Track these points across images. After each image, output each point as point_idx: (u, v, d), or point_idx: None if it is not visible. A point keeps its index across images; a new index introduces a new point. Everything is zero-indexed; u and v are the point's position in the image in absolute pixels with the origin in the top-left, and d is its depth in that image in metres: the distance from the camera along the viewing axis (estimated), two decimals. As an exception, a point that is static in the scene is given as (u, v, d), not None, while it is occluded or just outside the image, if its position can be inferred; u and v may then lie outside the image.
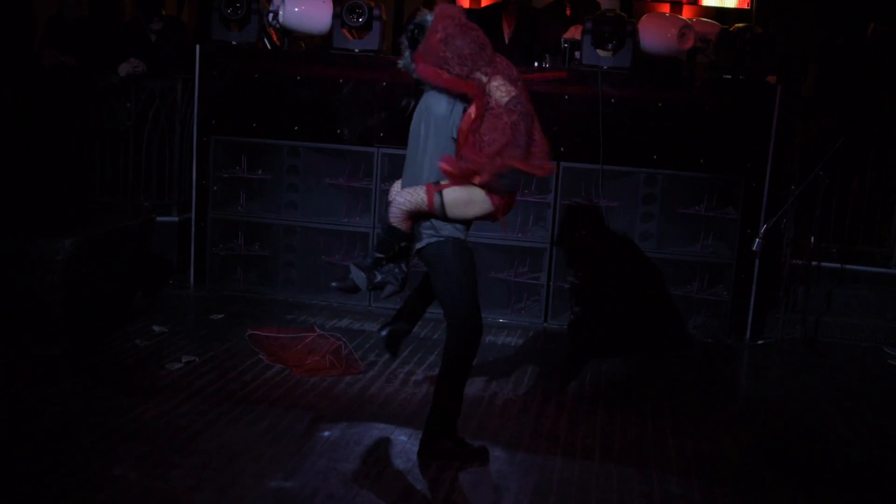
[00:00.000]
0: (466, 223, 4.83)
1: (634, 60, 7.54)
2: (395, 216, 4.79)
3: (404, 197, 4.74)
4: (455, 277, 4.78)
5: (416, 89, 5.16)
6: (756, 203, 7.39)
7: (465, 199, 4.67)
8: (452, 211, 4.69)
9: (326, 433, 5.17)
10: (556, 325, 7.58)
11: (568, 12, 8.89)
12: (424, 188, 4.69)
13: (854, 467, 5.31)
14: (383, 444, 5.09)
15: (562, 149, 7.40)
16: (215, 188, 7.91)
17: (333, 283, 5.23)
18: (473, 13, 12.47)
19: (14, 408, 5.20)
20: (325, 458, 4.85)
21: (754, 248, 7.08)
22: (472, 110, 4.59)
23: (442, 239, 4.78)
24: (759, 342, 7.50)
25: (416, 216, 4.77)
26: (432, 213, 4.71)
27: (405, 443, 5.11)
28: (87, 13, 8.91)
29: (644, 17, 7.84)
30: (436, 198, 4.66)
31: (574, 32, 8.00)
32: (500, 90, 4.66)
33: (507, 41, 8.57)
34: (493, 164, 4.54)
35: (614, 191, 7.53)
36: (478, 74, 4.66)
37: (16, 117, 8.29)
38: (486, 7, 10.05)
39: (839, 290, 7.88)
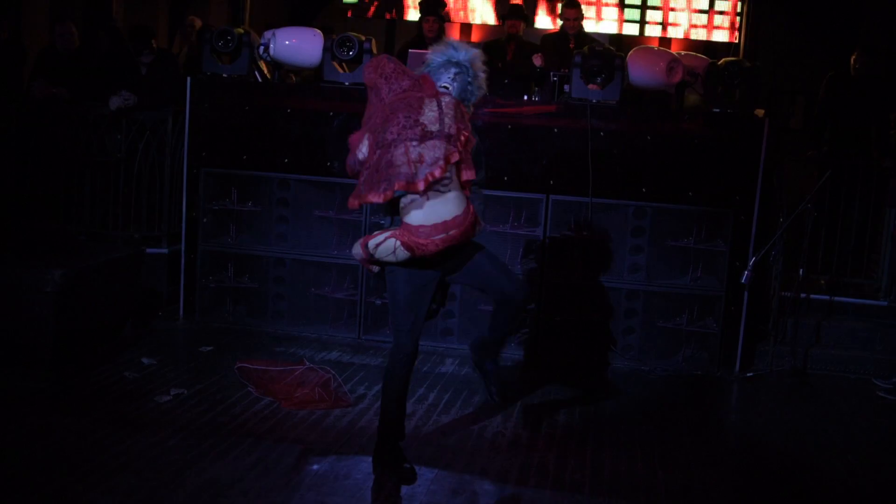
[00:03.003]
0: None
1: (623, 94, 7.59)
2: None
3: (353, 249, 4.96)
4: (396, 287, 4.98)
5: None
6: (745, 235, 7.41)
7: (389, 249, 4.76)
8: (382, 258, 4.83)
9: (315, 467, 5.15)
10: (545, 358, 7.57)
11: (571, 45, 8.97)
12: (359, 243, 4.88)
13: (844, 500, 5.31)
14: (372, 477, 5.07)
15: (551, 182, 7.44)
16: (205, 220, 7.91)
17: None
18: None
19: (1, 441, 5.17)
20: (313, 491, 4.83)
21: (743, 281, 7.11)
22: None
23: None
24: (749, 374, 7.50)
25: (372, 261, 4.93)
26: (374, 260, 4.88)
27: (394, 477, 5.09)
28: (79, 45, 8.94)
29: (633, 51, 7.90)
30: (366, 249, 4.82)
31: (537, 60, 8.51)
32: None
33: (505, 68, 8.82)
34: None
35: (603, 224, 7.56)
36: None
37: (5, 148, 8.30)
38: (488, 42, 10.23)
39: (828, 322, 7.90)
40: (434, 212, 4.72)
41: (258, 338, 7.65)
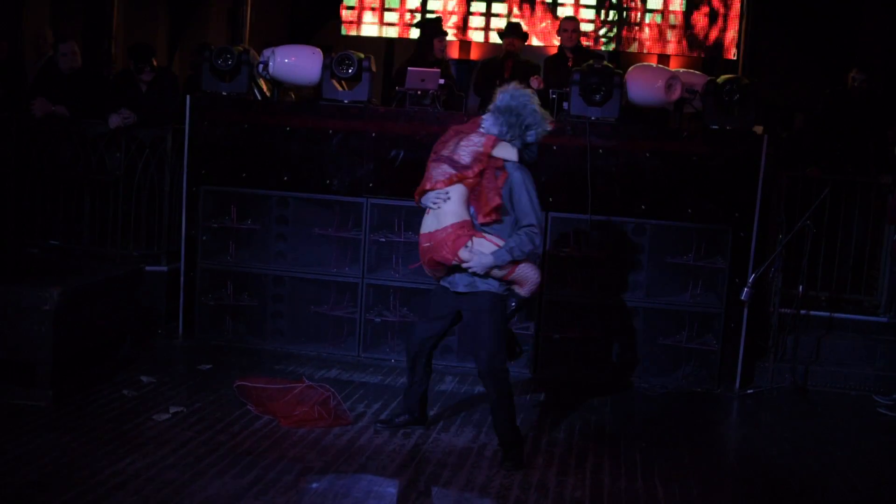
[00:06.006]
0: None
1: (622, 111, 7.59)
2: None
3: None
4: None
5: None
6: (744, 252, 7.41)
7: None
8: None
9: (314, 485, 5.14)
10: (545, 376, 7.56)
11: (570, 63, 8.98)
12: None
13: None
14: (371, 496, 5.05)
15: (550, 199, 7.43)
16: (205, 238, 7.90)
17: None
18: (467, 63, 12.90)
19: (-1, 459, 5.17)
20: (312, 510, 4.82)
21: (743, 298, 7.11)
22: None
23: None
24: (749, 391, 7.49)
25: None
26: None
27: (393, 494, 5.08)
28: (81, 65, 8.94)
29: (632, 69, 7.90)
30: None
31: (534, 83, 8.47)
32: None
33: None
34: None
35: (603, 241, 7.55)
36: None
37: (5, 166, 8.30)
38: (487, 60, 10.27)
39: (828, 339, 7.90)
40: (425, 223, 5.57)
41: (257, 356, 7.64)
